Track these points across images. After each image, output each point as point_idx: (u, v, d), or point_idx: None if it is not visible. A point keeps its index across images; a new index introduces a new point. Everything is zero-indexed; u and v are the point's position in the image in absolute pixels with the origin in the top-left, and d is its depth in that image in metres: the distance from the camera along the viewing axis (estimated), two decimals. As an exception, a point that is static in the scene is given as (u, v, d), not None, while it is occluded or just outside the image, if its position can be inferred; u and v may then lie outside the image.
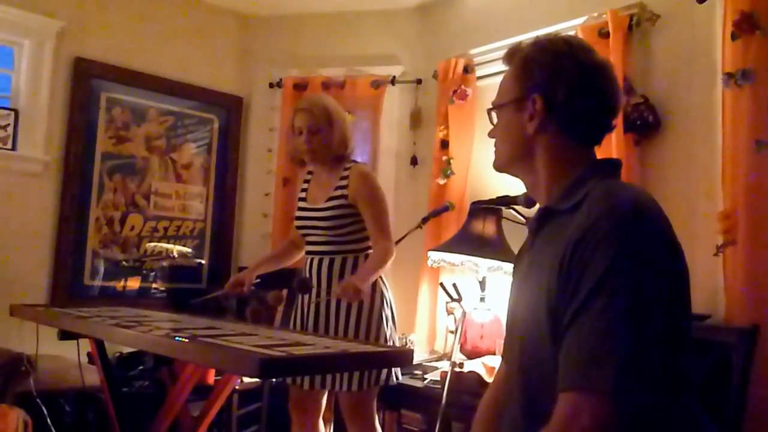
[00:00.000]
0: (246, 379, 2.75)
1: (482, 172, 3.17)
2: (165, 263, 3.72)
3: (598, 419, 0.90)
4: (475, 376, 2.46)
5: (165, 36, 3.75)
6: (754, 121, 2.14)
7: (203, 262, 3.88)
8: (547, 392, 0.99)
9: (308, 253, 2.42)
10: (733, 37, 2.21)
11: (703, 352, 1.91)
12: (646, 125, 2.52)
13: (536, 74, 1.16)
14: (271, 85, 3.89)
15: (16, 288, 3.09)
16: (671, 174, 2.51)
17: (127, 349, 2.96)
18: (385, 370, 2.26)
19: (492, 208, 2.73)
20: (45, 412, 2.41)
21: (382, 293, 2.35)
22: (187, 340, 1.56)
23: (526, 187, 1.25)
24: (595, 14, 2.75)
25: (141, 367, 2.99)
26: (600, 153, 1.21)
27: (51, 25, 3.32)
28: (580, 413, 0.91)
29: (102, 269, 3.49)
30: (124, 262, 3.57)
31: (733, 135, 2.20)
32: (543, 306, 1.03)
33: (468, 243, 2.76)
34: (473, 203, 2.83)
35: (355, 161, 2.44)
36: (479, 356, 2.68)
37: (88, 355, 2.47)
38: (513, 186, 2.07)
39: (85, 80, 3.43)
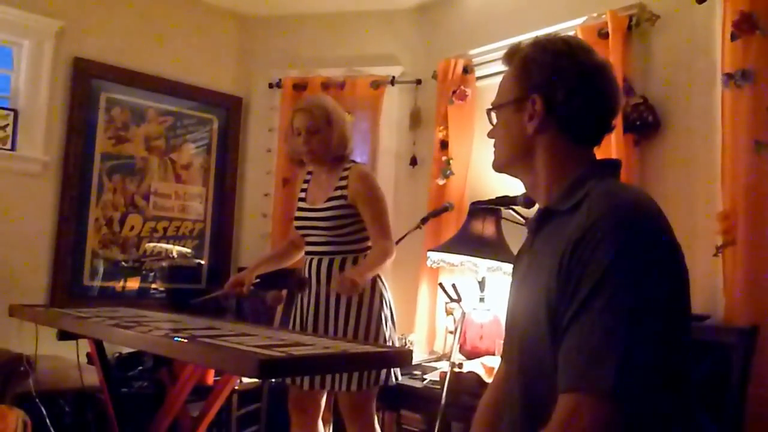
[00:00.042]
0: (245, 380, 2.75)
1: (482, 172, 3.17)
2: (164, 263, 3.72)
3: (598, 420, 0.90)
4: (475, 377, 2.46)
5: (164, 36, 3.75)
6: (754, 122, 2.15)
7: (203, 262, 3.88)
8: (547, 392, 0.99)
9: (308, 253, 2.42)
10: (733, 37, 2.21)
11: (703, 353, 1.91)
12: (646, 125, 2.52)
13: (536, 74, 1.16)
14: (270, 86, 3.89)
15: (15, 288, 3.09)
16: (670, 174, 2.51)
17: (126, 350, 2.96)
18: (384, 371, 2.25)
19: (491, 208, 2.73)
20: (44, 412, 2.41)
21: (381, 293, 2.34)
22: (186, 341, 1.56)
23: (526, 188, 1.25)
24: (595, 15, 2.76)
25: (140, 368, 2.98)
26: (599, 153, 1.21)
27: (50, 25, 3.32)
28: (580, 414, 0.91)
29: (101, 269, 3.49)
30: (123, 263, 3.57)
31: (732, 135, 2.20)
32: (542, 306, 1.03)
33: (467, 243, 2.76)
34: (473, 203, 2.83)
35: (354, 161, 2.44)
36: (478, 356, 2.68)
37: (88, 355, 2.47)
38: (512, 186, 2.06)
39: (85, 80, 3.43)
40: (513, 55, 1.22)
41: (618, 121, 2.39)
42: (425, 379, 2.66)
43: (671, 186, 2.50)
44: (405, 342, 3.08)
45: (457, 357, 2.47)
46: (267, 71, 3.91)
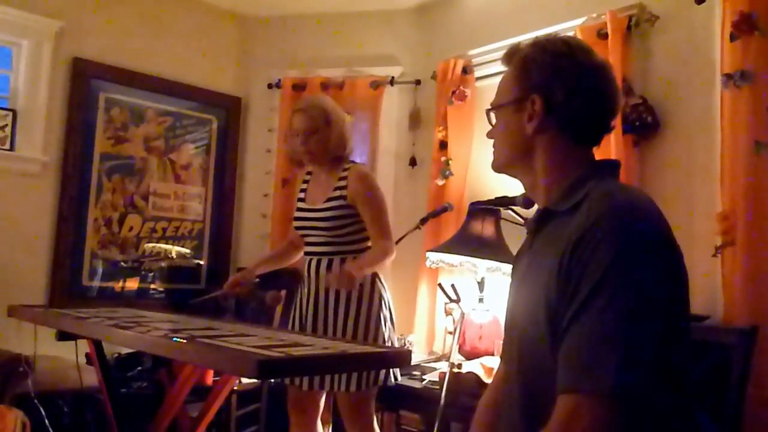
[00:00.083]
0: (244, 380, 2.74)
1: (481, 172, 3.17)
2: (163, 264, 3.72)
3: (597, 420, 0.90)
4: (474, 377, 2.46)
5: (164, 36, 3.75)
6: (753, 122, 2.15)
7: (202, 262, 3.88)
8: (546, 393, 0.99)
9: (307, 253, 2.42)
10: (732, 37, 2.21)
11: (702, 353, 1.91)
12: (645, 126, 2.52)
13: (535, 74, 1.16)
14: (270, 86, 3.89)
15: (14, 288, 3.09)
16: (670, 175, 2.51)
17: (125, 350, 2.95)
18: (383, 371, 2.25)
19: (491, 208, 2.73)
20: (43, 413, 2.41)
21: (380, 294, 2.34)
22: (185, 341, 1.56)
23: (525, 188, 1.25)
24: (594, 15, 2.76)
25: (139, 368, 2.98)
26: (599, 154, 1.21)
27: (49, 26, 3.32)
28: (579, 414, 0.91)
29: (100, 270, 3.49)
30: (122, 263, 3.57)
31: (731, 136, 2.20)
32: (542, 306, 1.03)
33: (467, 244, 2.76)
34: (472, 204, 2.83)
35: (354, 162, 2.44)
36: (478, 357, 2.68)
37: (87, 355, 2.47)
38: (512, 187, 2.06)
39: (84, 80, 3.43)
40: (512, 55, 1.22)
41: (617, 122, 2.39)
42: (424, 380, 2.66)
43: (670, 186, 2.50)
44: (404, 342, 3.08)
45: (456, 357, 2.47)
46: (266, 71, 3.91)
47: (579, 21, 2.81)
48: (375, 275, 2.35)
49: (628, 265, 0.94)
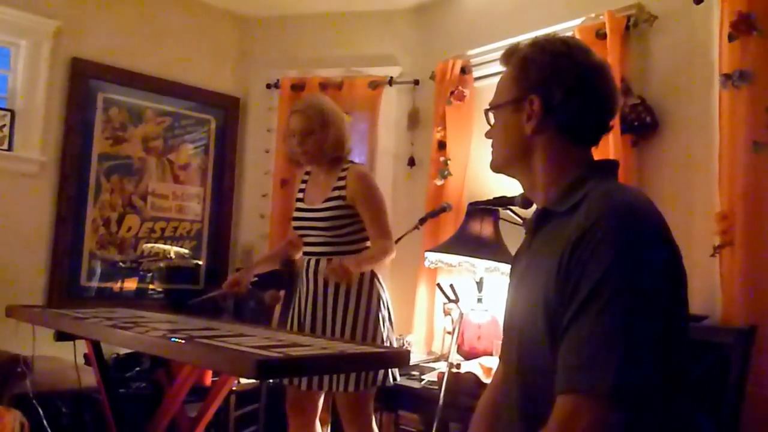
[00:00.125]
0: (243, 380, 2.74)
1: (480, 173, 3.17)
2: (162, 264, 3.72)
3: (597, 420, 0.90)
4: (473, 377, 2.45)
5: (162, 36, 3.75)
6: (752, 122, 2.14)
7: (200, 263, 3.88)
8: (545, 393, 0.99)
9: (306, 253, 2.42)
10: (731, 38, 2.21)
11: (701, 353, 1.91)
12: (644, 126, 2.52)
13: (534, 74, 1.16)
14: (268, 86, 3.88)
15: (12, 289, 3.09)
16: (668, 175, 2.51)
17: (123, 351, 2.95)
18: (382, 371, 2.25)
19: (489, 209, 2.73)
20: (41, 413, 2.40)
21: (379, 294, 2.34)
22: (183, 341, 1.55)
23: (524, 188, 1.25)
24: (593, 15, 2.76)
25: (138, 369, 2.98)
26: (597, 154, 1.21)
27: (48, 25, 3.31)
28: (578, 415, 0.91)
29: (99, 270, 3.49)
30: (121, 263, 3.57)
31: (730, 136, 2.20)
32: (541, 307, 1.03)
33: (465, 244, 2.76)
34: (471, 204, 2.83)
35: (352, 162, 2.44)
36: (476, 357, 2.67)
37: (85, 356, 2.47)
38: (510, 187, 2.07)
39: (82, 80, 3.43)
40: (511, 55, 1.22)
41: (616, 122, 2.39)
42: (423, 380, 2.66)
43: (669, 186, 2.50)
44: (403, 342, 3.07)
45: (455, 357, 2.47)
46: (265, 71, 3.90)
47: (577, 21, 2.81)
48: (374, 275, 2.35)
49: (628, 266, 0.94)
